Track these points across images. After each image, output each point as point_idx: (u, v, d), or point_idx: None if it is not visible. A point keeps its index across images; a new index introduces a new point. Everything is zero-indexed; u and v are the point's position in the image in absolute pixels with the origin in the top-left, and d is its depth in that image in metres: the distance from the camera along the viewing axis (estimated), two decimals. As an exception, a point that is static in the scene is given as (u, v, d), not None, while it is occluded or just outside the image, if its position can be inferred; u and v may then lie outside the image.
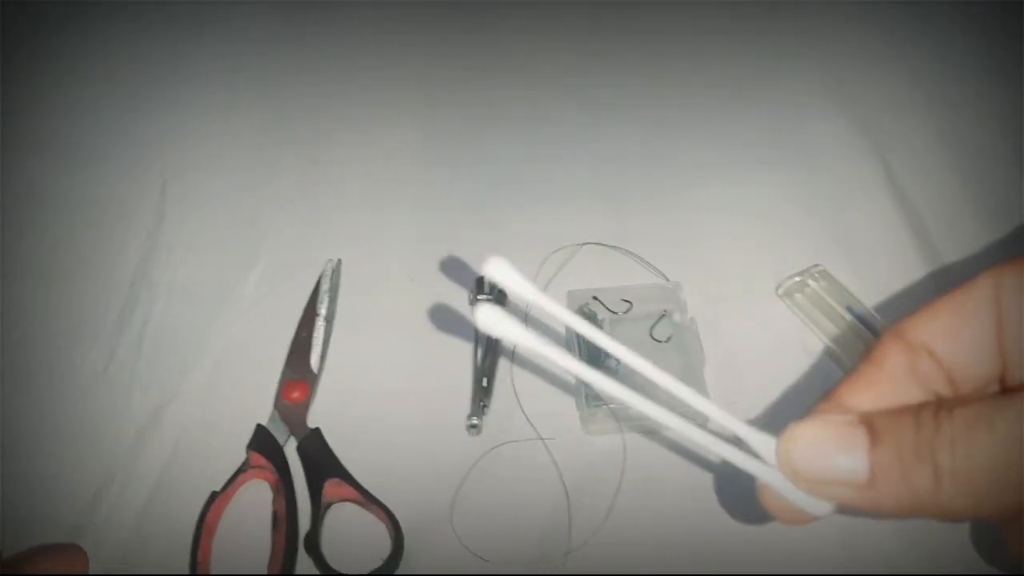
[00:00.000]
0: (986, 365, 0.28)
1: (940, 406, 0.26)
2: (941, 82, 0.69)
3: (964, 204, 0.60)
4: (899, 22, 0.74)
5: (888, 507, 0.26)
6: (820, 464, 0.26)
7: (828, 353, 0.52)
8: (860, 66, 0.71)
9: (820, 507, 0.27)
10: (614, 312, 0.54)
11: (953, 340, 0.28)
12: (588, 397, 0.50)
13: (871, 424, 0.26)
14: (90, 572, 0.44)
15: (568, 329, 0.54)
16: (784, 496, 0.27)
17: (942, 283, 0.55)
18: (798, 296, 0.54)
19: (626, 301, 0.54)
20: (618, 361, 0.51)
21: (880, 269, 0.56)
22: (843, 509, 0.27)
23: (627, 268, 0.57)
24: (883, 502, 0.26)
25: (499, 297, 0.55)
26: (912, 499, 0.25)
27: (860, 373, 0.29)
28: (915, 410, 0.26)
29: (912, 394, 0.29)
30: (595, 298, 0.54)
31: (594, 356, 0.52)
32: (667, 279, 0.56)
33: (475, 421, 0.50)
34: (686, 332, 0.53)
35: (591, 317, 0.54)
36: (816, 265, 0.55)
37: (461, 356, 0.54)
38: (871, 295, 0.54)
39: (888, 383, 0.29)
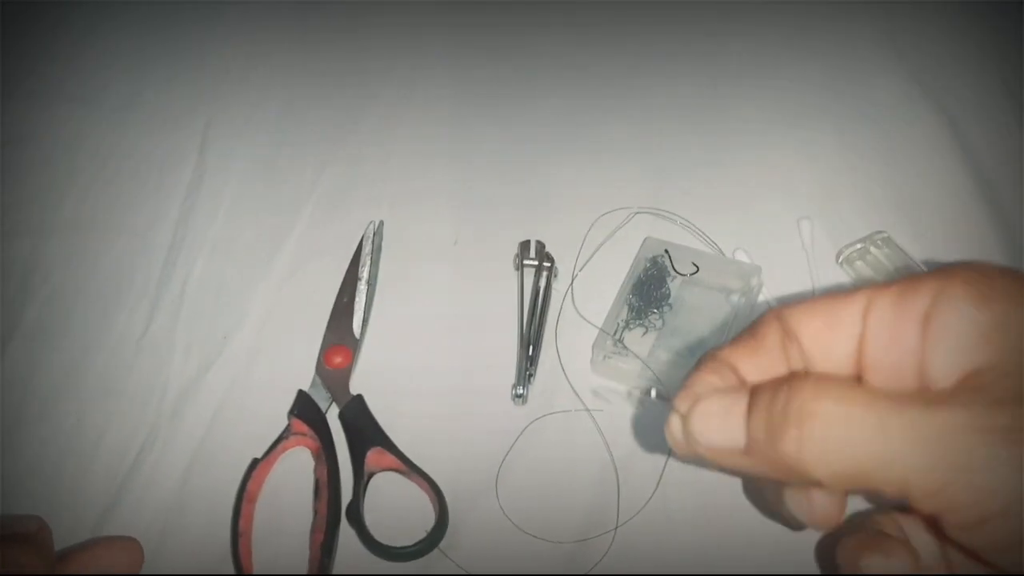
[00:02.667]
0: (843, 368, 0.31)
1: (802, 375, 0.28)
2: (1004, 31, 0.65)
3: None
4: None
5: (764, 472, 0.28)
6: (710, 437, 0.29)
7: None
8: (917, 16, 0.67)
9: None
10: (681, 273, 0.52)
11: (818, 342, 0.31)
12: (613, 342, 0.49)
13: (751, 393, 0.29)
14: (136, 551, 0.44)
15: (632, 272, 0.52)
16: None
17: (1011, 250, 0.52)
18: (859, 264, 0.51)
19: (694, 264, 0.52)
20: (662, 319, 0.50)
21: (947, 234, 0.54)
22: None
23: (678, 234, 0.55)
24: (759, 468, 0.28)
25: (545, 261, 0.54)
26: (780, 463, 0.27)
27: (744, 342, 0.33)
28: (778, 382, 0.28)
29: (783, 368, 0.32)
30: (666, 251, 0.52)
31: (644, 306, 0.50)
32: (719, 247, 0.54)
33: (521, 391, 0.49)
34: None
35: (662, 269, 0.52)
36: (879, 232, 0.52)
37: (506, 322, 0.52)
38: (938, 261, 0.51)
39: (765, 355, 0.32)
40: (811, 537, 0.43)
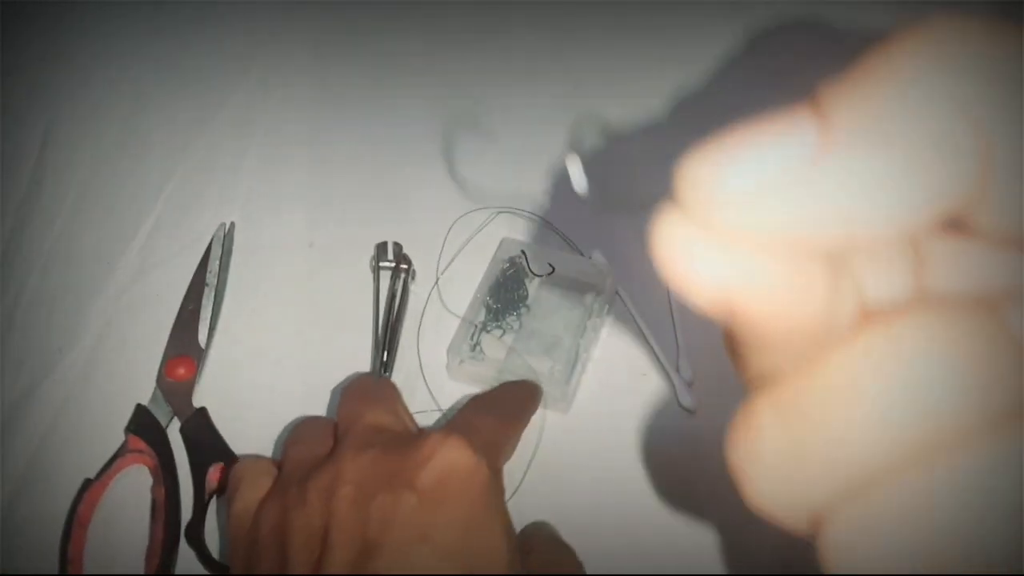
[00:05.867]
0: None
1: None
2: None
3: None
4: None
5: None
6: (738, 169, 0.14)
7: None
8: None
9: None
10: (537, 274, 0.51)
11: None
12: (469, 346, 0.49)
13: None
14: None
15: (489, 273, 0.51)
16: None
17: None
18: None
19: (550, 265, 0.51)
20: (520, 321, 0.49)
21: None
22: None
23: (539, 235, 0.55)
24: (838, 178, 0.14)
25: (402, 263, 0.52)
26: None
27: None
28: None
29: None
30: (523, 252, 0.51)
31: (502, 308, 0.50)
32: (577, 247, 0.53)
33: (373, 397, 0.47)
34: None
35: (520, 270, 0.51)
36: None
37: (362, 327, 0.51)
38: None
39: None
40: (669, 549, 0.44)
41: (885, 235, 0.15)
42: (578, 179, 0.23)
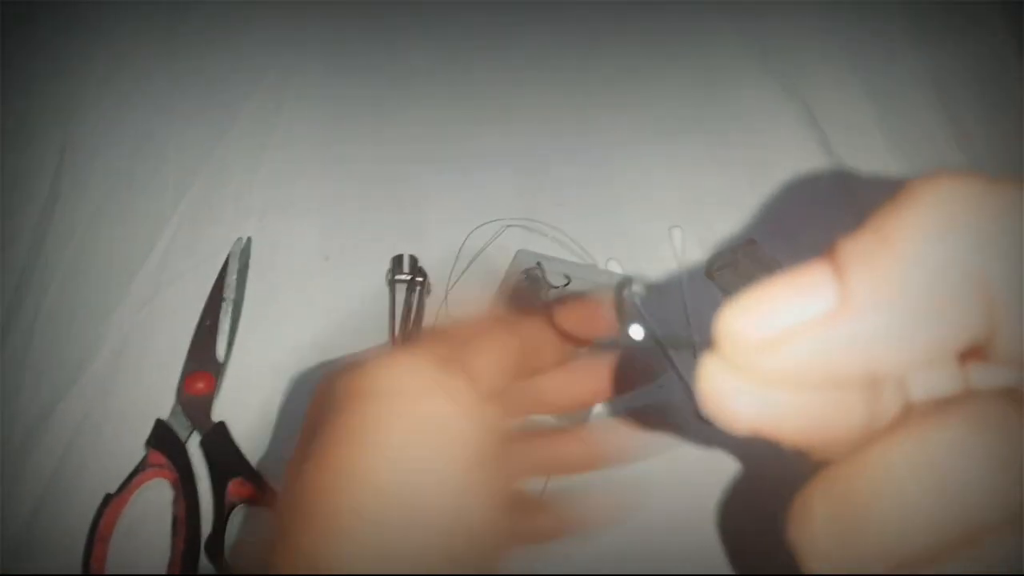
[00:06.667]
0: None
1: None
2: (866, 43, 0.66)
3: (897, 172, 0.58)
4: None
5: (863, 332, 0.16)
6: (768, 319, 0.17)
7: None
8: (784, 21, 0.67)
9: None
10: (554, 285, 0.51)
11: None
12: None
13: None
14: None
15: (504, 285, 0.51)
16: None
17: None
18: (727, 271, 0.52)
19: (566, 276, 0.51)
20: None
21: (814, 240, 0.54)
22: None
23: (553, 246, 0.55)
24: (858, 329, 0.16)
25: (418, 276, 0.53)
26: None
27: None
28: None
29: None
30: (539, 264, 0.51)
31: None
32: (591, 257, 0.53)
33: (390, 411, 0.47)
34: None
35: (535, 281, 0.51)
36: (748, 239, 0.53)
37: (378, 339, 0.51)
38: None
39: None
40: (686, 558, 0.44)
41: (907, 368, 0.17)
42: (635, 330, 0.27)
